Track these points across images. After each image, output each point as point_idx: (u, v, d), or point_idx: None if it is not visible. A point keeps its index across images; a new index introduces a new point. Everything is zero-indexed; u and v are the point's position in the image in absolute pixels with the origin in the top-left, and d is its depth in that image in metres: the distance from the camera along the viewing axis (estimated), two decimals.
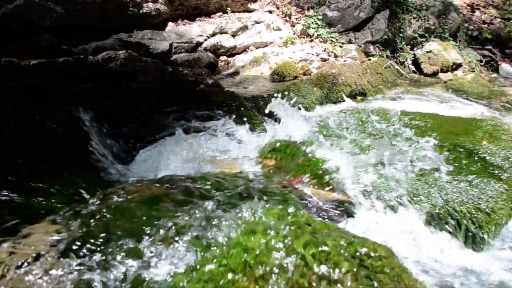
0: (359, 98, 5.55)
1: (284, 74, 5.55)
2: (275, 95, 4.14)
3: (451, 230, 2.44)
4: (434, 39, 7.70)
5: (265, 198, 2.03)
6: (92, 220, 1.65)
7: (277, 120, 3.83)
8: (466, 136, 3.30)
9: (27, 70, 3.44)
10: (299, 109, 4.47)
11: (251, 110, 4.42)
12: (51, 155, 2.72)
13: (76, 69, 3.63)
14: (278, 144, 3.09)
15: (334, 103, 5.19)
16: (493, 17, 9.60)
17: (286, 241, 1.43)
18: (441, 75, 7.31)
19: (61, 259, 1.41)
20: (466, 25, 8.89)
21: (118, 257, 1.46)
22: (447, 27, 7.95)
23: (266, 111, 3.62)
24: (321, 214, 2.17)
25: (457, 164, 2.87)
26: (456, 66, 7.45)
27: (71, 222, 1.63)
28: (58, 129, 2.96)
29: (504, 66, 8.06)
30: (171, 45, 5.84)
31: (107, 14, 5.62)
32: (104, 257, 1.44)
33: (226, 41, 6.34)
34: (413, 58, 7.61)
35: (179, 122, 3.81)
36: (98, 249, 1.49)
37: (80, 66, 3.73)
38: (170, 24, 6.33)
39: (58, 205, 1.96)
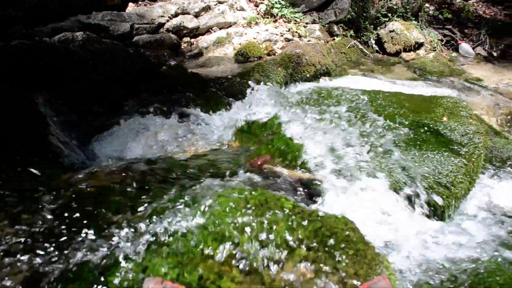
0: (323, 77, 5.56)
1: (248, 55, 5.50)
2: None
3: (414, 205, 2.49)
4: (396, 19, 7.77)
5: (227, 179, 2.01)
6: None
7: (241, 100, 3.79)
8: (427, 113, 3.35)
9: None
10: None
11: (215, 91, 4.37)
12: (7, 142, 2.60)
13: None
14: (242, 124, 3.06)
15: (299, 83, 5.18)
16: None
17: (246, 218, 1.41)
18: (403, 54, 7.42)
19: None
20: (427, 5, 9.03)
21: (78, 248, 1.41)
22: (409, 7, 8.04)
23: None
24: (285, 193, 2.17)
25: (419, 140, 2.92)
26: (418, 46, 7.56)
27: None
28: (15, 114, 2.84)
29: (464, 46, 8.25)
30: (132, 26, 5.67)
31: None
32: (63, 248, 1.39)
33: (189, 22, 6.21)
34: (376, 38, 7.68)
35: (141, 105, 3.73)
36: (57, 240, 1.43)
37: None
38: (131, 4, 6.15)
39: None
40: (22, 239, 1.39)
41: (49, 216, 1.51)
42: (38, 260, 1.32)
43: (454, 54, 8.07)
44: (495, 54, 8.18)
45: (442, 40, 8.28)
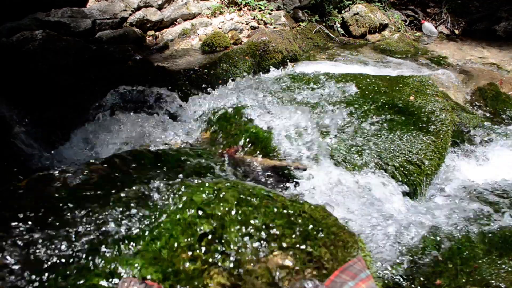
0: (291, 64, 5.56)
1: (214, 45, 5.44)
2: None
3: (386, 184, 2.52)
4: (360, 2, 7.81)
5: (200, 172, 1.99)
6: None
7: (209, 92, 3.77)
8: (395, 93, 3.39)
9: None
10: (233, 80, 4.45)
11: (183, 84, 4.32)
12: None
13: None
14: (212, 116, 3.04)
15: (267, 71, 5.16)
16: None
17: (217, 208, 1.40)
18: (369, 37, 7.48)
19: None
20: None
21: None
22: None
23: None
24: (258, 181, 2.16)
25: (387, 120, 2.95)
26: (383, 27, 7.64)
27: None
28: None
29: (427, 25, 8.37)
30: (94, 22, 5.52)
31: None
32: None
33: (152, 15, 6.10)
34: (341, 22, 7.70)
35: (110, 102, 3.66)
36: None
37: None
38: (92, 0, 5.99)
39: None
40: None
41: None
42: None
43: (418, 33, 8.18)
44: (457, 32, 8.33)
45: (405, 21, 8.37)
